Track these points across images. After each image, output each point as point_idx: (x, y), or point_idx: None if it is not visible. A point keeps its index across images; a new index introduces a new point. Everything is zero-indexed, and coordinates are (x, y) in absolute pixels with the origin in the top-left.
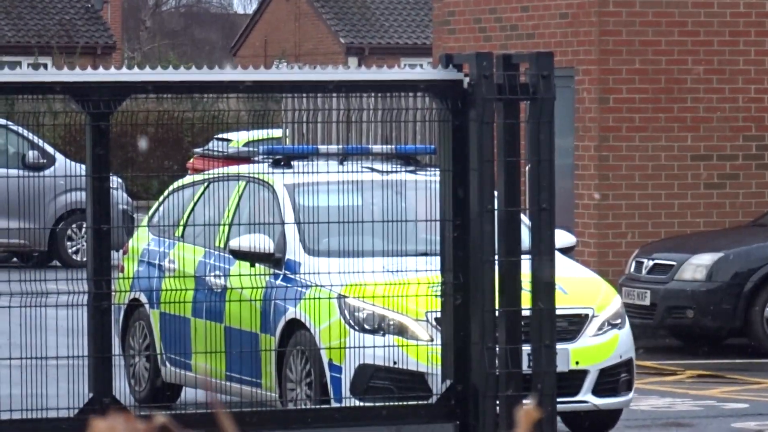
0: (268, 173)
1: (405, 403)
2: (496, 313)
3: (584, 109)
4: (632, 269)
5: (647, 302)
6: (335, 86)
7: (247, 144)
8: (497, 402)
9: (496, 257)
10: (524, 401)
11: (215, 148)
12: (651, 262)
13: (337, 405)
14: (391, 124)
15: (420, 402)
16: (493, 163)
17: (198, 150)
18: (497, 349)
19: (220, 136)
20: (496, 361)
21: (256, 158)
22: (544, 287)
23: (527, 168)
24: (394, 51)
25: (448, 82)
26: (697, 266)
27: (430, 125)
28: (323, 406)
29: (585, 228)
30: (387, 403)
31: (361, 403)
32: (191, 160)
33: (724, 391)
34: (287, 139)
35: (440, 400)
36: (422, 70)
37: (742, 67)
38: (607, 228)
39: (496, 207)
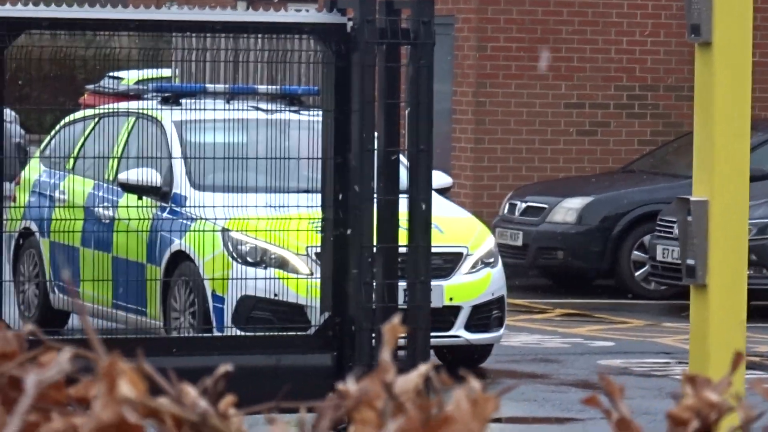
0: (157, 110)
1: (285, 333)
2: (374, 250)
3: (463, 56)
4: (506, 211)
5: (519, 243)
6: (223, 27)
7: (137, 82)
8: (373, 335)
9: (375, 195)
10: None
11: (107, 85)
12: (524, 205)
13: (219, 334)
14: (277, 65)
15: (299, 333)
16: (374, 105)
17: (90, 86)
18: (374, 284)
19: (112, 74)
20: (373, 296)
21: (146, 95)
22: (420, 225)
23: (407, 111)
24: None
25: (332, 26)
26: (567, 209)
27: (314, 67)
28: (206, 335)
29: (461, 170)
30: (267, 333)
31: (243, 333)
32: (84, 96)
33: (591, 329)
34: (176, 78)
35: (319, 332)
36: (308, 14)
37: (614, 20)
38: (483, 171)
39: (375, 147)
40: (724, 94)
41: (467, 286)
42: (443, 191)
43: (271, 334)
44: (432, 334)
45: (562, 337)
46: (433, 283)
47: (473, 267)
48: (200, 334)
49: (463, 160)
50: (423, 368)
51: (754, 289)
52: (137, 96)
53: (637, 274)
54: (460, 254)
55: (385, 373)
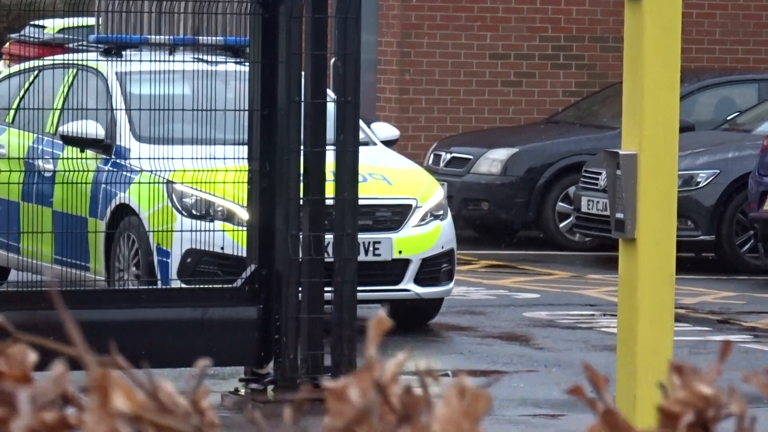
0: (99, 61)
1: (212, 286)
2: (301, 202)
3: (387, 6)
4: (430, 162)
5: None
6: None
7: (60, 31)
8: (299, 287)
9: (302, 147)
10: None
11: (31, 35)
12: (449, 156)
13: (145, 287)
14: (203, 15)
15: (226, 285)
16: (300, 56)
17: (14, 35)
18: (301, 236)
19: (34, 22)
20: (300, 248)
21: (85, 46)
22: (347, 177)
23: (333, 62)
24: None
25: None
26: (492, 160)
27: (240, 18)
28: (131, 288)
29: (386, 121)
30: (194, 286)
31: (168, 286)
32: (7, 45)
33: (516, 281)
34: (100, 28)
35: (245, 284)
36: None
37: None
38: (408, 122)
39: (302, 99)
40: (654, 48)
41: (416, 239)
42: (390, 143)
43: (198, 287)
44: (381, 288)
45: (487, 288)
46: (383, 235)
47: (422, 219)
48: (126, 287)
49: (388, 110)
50: (400, 357)
51: (678, 241)
52: (61, 45)
53: (561, 225)
54: (409, 206)
55: (372, 371)
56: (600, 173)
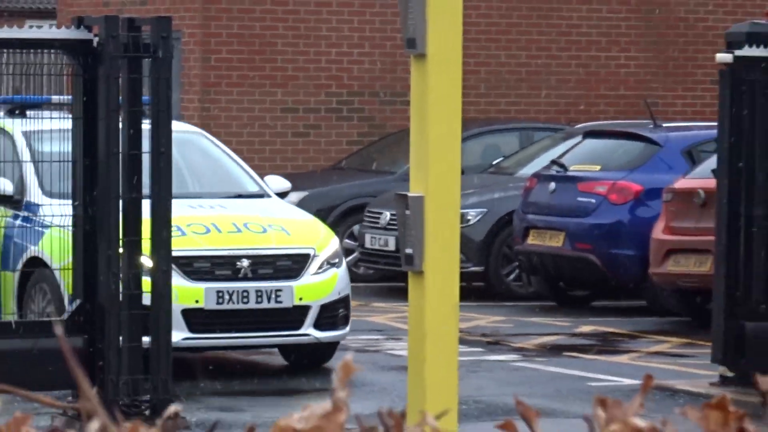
0: (4, 119)
1: (41, 319)
2: (120, 243)
3: (189, 66)
4: None
5: None
6: None
7: None
8: (120, 319)
9: (120, 194)
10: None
11: None
12: None
13: None
14: (28, 77)
15: (53, 318)
16: (118, 112)
17: None
18: (121, 273)
19: None
20: (120, 284)
21: None
22: (162, 220)
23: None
24: (20, 13)
25: (80, 41)
26: None
27: (58, 78)
28: None
29: None
30: (25, 320)
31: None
32: None
33: None
34: None
35: (71, 317)
36: (58, 30)
37: (324, 33)
38: None
39: (120, 150)
40: (438, 101)
41: (315, 286)
42: (283, 195)
43: (27, 320)
44: (282, 333)
45: None
46: (283, 283)
47: (320, 267)
48: None
49: None
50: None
51: None
52: None
53: (347, 260)
54: (307, 255)
55: (339, 413)
56: (381, 213)
